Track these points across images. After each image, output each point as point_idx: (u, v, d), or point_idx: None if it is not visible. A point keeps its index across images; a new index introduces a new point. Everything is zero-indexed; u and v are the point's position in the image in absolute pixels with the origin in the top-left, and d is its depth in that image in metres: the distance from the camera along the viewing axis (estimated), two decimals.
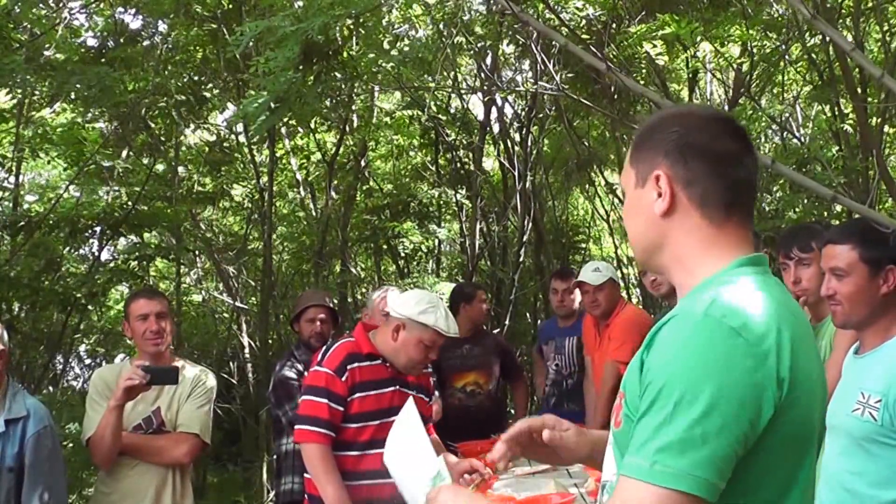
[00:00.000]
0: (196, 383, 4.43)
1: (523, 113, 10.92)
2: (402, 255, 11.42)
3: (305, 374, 5.42)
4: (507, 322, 10.24)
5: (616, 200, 11.80)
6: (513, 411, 7.53)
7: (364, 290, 12.01)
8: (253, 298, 11.59)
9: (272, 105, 5.14)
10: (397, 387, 4.10)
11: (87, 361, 13.95)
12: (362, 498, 3.96)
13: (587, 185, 12.84)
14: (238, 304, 10.76)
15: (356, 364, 4.03)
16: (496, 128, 11.39)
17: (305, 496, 4.19)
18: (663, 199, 1.72)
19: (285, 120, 5.43)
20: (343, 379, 3.98)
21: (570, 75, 8.90)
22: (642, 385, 1.57)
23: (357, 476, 3.99)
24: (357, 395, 4.00)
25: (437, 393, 5.72)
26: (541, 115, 10.64)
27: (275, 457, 6.08)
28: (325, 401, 3.96)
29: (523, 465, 5.02)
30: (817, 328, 3.56)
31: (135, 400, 4.17)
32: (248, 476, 10.54)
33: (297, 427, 4.04)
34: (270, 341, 10.60)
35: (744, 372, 1.50)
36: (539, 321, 10.83)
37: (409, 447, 2.35)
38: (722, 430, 1.48)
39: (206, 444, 4.45)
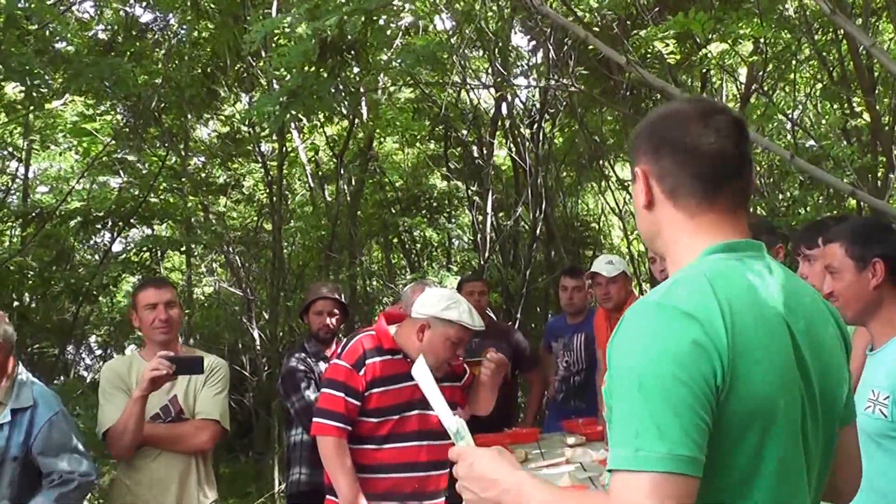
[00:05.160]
0: (211, 371, 4.40)
1: (535, 108, 10.91)
2: (413, 249, 11.41)
3: (313, 365, 5.47)
4: (518, 317, 10.24)
5: (628, 196, 11.78)
6: (523, 405, 7.51)
7: (373, 284, 12.04)
8: (264, 291, 11.61)
9: (283, 100, 5.13)
10: None
11: (98, 352, 14.03)
12: (381, 491, 3.98)
13: (598, 181, 12.84)
14: (249, 296, 10.78)
15: (376, 359, 4.03)
16: (507, 123, 11.36)
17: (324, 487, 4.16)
18: (643, 193, 1.86)
19: (293, 112, 5.43)
20: (361, 373, 3.98)
21: (583, 71, 8.89)
22: (610, 374, 1.66)
23: (375, 469, 4.00)
24: (376, 389, 3.99)
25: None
26: (552, 111, 10.63)
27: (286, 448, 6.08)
28: (342, 395, 3.96)
29: (537, 459, 5.05)
30: None
31: None
32: (260, 468, 10.57)
33: (314, 420, 4.04)
34: (281, 333, 10.61)
35: (693, 345, 1.58)
36: (549, 317, 10.82)
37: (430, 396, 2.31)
38: (686, 404, 1.55)
39: (226, 431, 4.42)
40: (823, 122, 8.02)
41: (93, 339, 12.99)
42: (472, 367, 4.45)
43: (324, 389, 4.08)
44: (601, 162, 11.80)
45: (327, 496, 4.12)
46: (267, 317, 11.04)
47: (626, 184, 11.69)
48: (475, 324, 4.01)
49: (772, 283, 1.78)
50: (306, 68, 4.97)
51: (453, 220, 11.43)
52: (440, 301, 4.02)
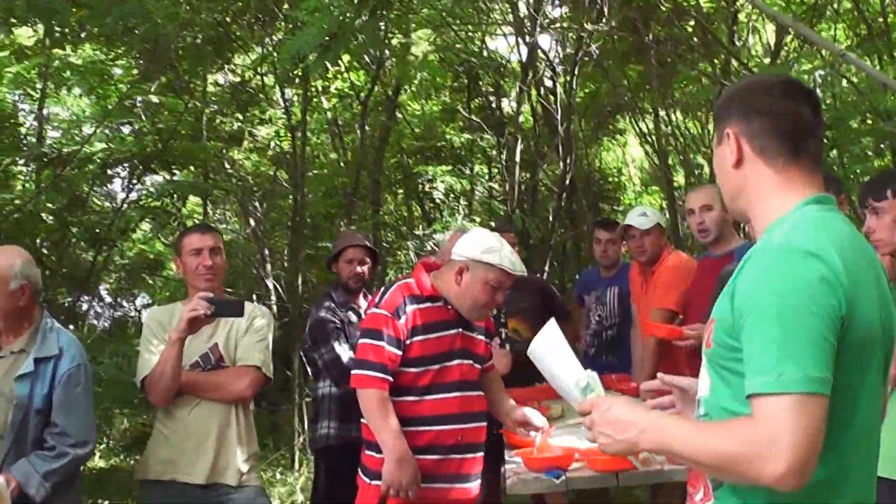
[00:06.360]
0: (252, 318, 4.28)
1: (559, 59, 10.74)
2: (435, 199, 11.26)
3: (342, 315, 5.34)
4: (545, 269, 10.11)
5: (650, 149, 11.65)
6: None
7: (389, 235, 11.92)
8: (279, 240, 11.50)
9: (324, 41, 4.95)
10: (460, 329, 3.96)
11: (108, 300, 13.98)
12: (421, 444, 3.84)
13: (619, 135, 12.72)
14: (264, 245, 10.67)
15: (416, 306, 3.89)
16: (538, 72, 11.14)
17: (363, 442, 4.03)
18: (732, 152, 2.09)
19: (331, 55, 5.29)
20: (401, 321, 3.84)
21: (613, 25, 8.73)
22: (735, 312, 1.89)
23: (416, 422, 3.86)
24: (417, 338, 3.85)
25: (507, 346, 5.60)
26: (587, 59, 10.44)
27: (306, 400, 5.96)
28: (383, 344, 3.81)
29: (574, 415, 4.93)
30: None
31: (189, 336, 4.02)
32: (276, 419, 10.49)
33: (353, 372, 3.90)
34: (300, 282, 10.48)
35: (820, 281, 1.82)
36: (566, 268, 10.76)
37: (553, 356, 2.37)
38: (819, 331, 1.80)
39: (269, 379, 4.31)
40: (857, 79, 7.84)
41: (103, 287, 12.89)
42: None
43: (362, 340, 3.92)
44: (625, 115, 11.64)
45: (364, 450, 3.99)
46: (282, 267, 10.94)
47: (649, 138, 11.56)
48: (516, 269, 3.87)
49: (855, 235, 2.02)
50: (346, 8, 4.77)
51: (476, 173, 11.26)
52: (481, 243, 3.88)
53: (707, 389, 2.05)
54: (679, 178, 11.90)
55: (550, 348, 2.39)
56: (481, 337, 4.11)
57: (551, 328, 2.43)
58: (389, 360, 3.81)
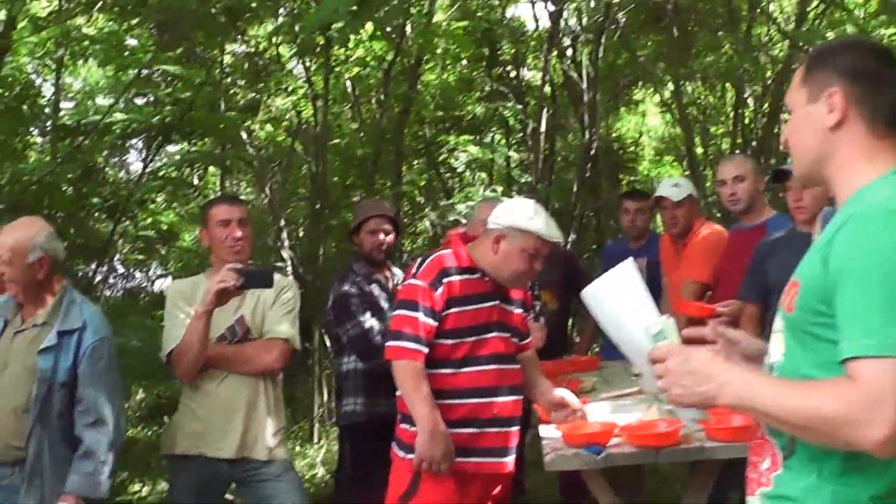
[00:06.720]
0: (280, 290, 4.22)
1: (584, 25, 10.59)
2: (456, 169, 11.15)
3: (367, 288, 5.22)
4: (569, 240, 10.01)
5: (670, 117, 11.55)
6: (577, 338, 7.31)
7: (408, 205, 11.83)
8: (295, 211, 11.40)
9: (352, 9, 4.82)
10: (497, 302, 3.90)
11: (121, 271, 13.94)
12: (457, 418, 3.77)
13: (636, 104, 12.59)
14: (281, 216, 10.58)
15: (452, 277, 3.82)
16: (562, 40, 11.01)
17: (398, 415, 3.97)
18: (835, 113, 1.99)
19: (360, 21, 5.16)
20: (438, 292, 3.77)
21: None
22: (830, 276, 1.82)
23: (450, 395, 3.79)
24: (453, 309, 3.79)
25: (542, 319, 5.50)
26: (613, 27, 10.31)
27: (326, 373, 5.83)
28: (418, 315, 3.75)
29: (604, 388, 4.85)
30: None
31: (216, 308, 3.94)
32: (290, 391, 10.41)
33: (387, 343, 3.84)
34: (321, 253, 10.39)
35: None
36: (582, 238, 10.66)
37: (620, 301, 2.24)
38: None
39: (296, 352, 4.24)
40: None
41: (116, 258, 12.84)
42: None
43: (397, 311, 3.86)
44: (645, 85, 11.52)
45: (399, 423, 3.93)
46: (298, 238, 10.85)
47: (669, 107, 11.44)
48: (553, 236, 3.82)
49: None
50: None
51: (495, 141, 11.13)
52: (518, 211, 3.83)
53: (781, 355, 1.99)
54: (697, 150, 11.80)
55: (621, 290, 2.25)
56: (519, 311, 4.05)
57: (628, 267, 2.29)
58: (425, 332, 3.75)
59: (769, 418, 1.89)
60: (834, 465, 1.85)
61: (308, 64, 10.29)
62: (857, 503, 1.84)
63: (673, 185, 5.67)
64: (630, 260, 2.34)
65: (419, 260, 4.00)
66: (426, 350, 3.76)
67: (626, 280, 2.26)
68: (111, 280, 13.21)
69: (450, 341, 3.80)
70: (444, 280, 3.80)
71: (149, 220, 12.15)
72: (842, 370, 1.78)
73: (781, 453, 1.96)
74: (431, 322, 3.76)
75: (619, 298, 2.25)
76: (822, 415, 1.75)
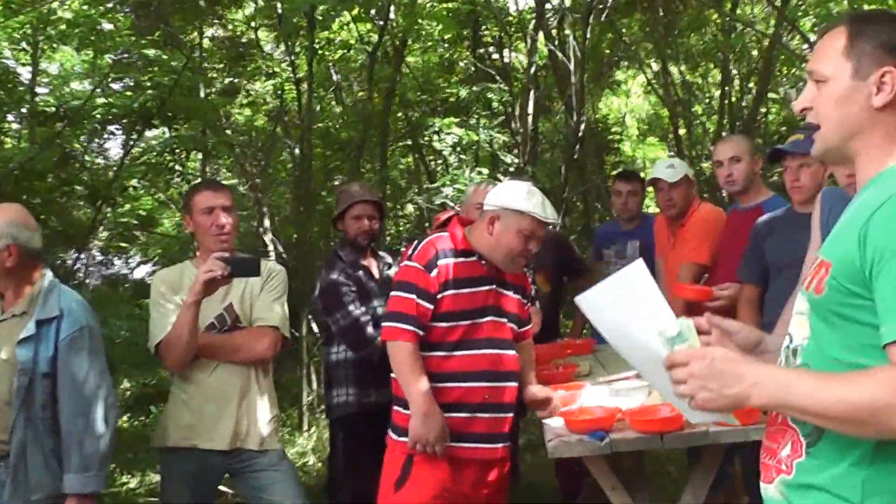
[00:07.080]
0: (269, 275, 4.11)
1: (569, 5, 10.50)
2: (440, 152, 11.04)
3: (355, 276, 5.08)
4: (559, 223, 9.94)
5: (657, 99, 11.49)
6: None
7: (391, 189, 11.72)
8: (277, 196, 11.29)
9: None
10: (493, 286, 3.85)
11: (99, 258, 13.80)
12: (449, 401, 3.74)
13: (618, 84, 12.53)
14: (263, 201, 10.46)
15: (449, 260, 3.78)
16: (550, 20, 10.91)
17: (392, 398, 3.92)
18: (886, 93, 1.90)
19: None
20: (433, 275, 3.74)
21: None
22: (869, 257, 1.75)
23: (443, 378, 3.76)
24: (449, 292, 3.75)
25: (537, 304, 5.40)
26: (601, 6, 10.22)
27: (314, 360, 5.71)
28: (414, 297, 3.71)
29: (601, 372, 4.78)
30: None
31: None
32: (278, 379, 10.30)
33: (383, 324, 3.80)
34: (308, 239, 10.27)
35: None
36: (568, 219, 10.59)
37: (629, 304, 2.02)
38: None
39: (286, 339, 4.14)
40: None
41: (95, 245, 12.71)
42: None
43: (393, 292, 3.81)
44: (629, 66, 11.46)
45: (394, 406, 3.88)
46: (280, 223, 10.74)
47: (654, 88, 11.39)
48: (548, 216, 3.77)
49: None
50: None
51: (481, 123, 11.00)
52: (513, 191, 3.80)
53: (804, 338, 1.92)
54: (681, 130, 11.74)
55: (632, 293, 2.03)
56: (517, 296, 3.99)
57: (638, 267, 2.06)
58: (420, 313, 3.72)
59: (805, 414, 1.79)
60: (865, 451, 1.78)
61: (291, 46, 10.14)
62: (890, 490, 1.78)
63: (668, 166, 5.57)
64: (640, 261, 2.09)
65: (415, 242, 3.96)
66: (421, 332, 3.72)
67: (637, 281, 2.05)
68: (91, 268, 13.10)
69: (444, 324, 3.76)
70: (440, 262, 3.76)
71: (127, 207, 11.98)
72: (875, 352, 1.72)
73: (805, 440, 1.89)
74: (426, 304, 3.73)
75: (628, 302, 2.04)
76: (868, 404, 1.67)
